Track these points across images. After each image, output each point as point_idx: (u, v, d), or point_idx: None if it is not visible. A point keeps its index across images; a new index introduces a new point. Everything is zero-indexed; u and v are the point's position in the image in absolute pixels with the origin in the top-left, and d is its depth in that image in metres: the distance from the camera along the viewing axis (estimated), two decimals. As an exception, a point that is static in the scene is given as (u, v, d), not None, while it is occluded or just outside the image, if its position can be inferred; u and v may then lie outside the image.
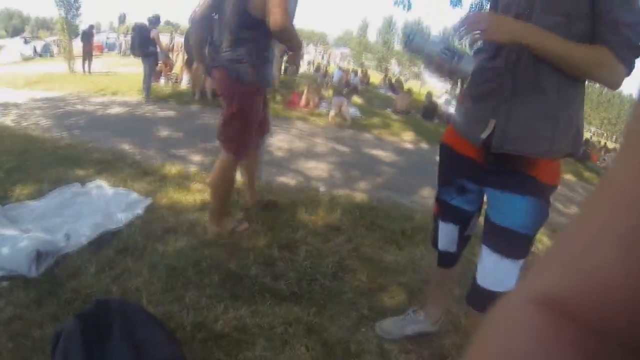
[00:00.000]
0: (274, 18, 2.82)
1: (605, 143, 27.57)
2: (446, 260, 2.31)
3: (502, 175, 1.87)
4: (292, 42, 3.28)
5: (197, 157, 5.82)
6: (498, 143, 1.77)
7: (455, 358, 2.50)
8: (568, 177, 11.39)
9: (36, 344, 2.20)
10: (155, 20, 10.62)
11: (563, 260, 0.36)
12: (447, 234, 2.23)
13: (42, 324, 2.33)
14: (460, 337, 2.71)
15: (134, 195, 4.10)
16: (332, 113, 10.62)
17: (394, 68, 47.37)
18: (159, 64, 11.99)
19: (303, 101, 11.38)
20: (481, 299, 1.97)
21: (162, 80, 13.05)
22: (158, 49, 10.56)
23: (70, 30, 16.22)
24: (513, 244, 1.87)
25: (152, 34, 10.37)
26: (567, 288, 0.34)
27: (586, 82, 1.79)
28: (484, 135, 1.82)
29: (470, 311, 2.17)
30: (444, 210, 2.21)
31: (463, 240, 2.23)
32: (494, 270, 1.92)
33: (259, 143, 4.02)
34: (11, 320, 2.38)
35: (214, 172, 3.46)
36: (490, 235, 1.93)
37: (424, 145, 10.25)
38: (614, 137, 64.68)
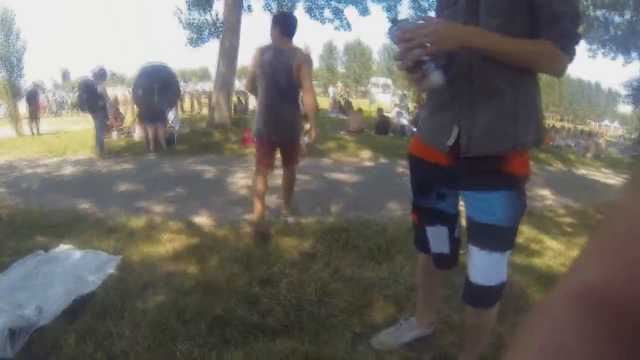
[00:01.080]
0: (311, 97, 4.31)
1: (554, 124, 28.66)
2: (443, 262, 2.34)
3: (474, 176, 1.93)
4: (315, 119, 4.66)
5: (160, 207, 5.73)
6: (465, 148, 1.84)
7: (455, 355, 2.52)
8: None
9: None
10: (101, 74, 10.30)
11: (601, 255, 0.38)
12: (437, 237, 2.26)
13: (26, 408, 2.22)
14: (457, 334, 2.76)
15: (103, 255, 3.98)
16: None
17: (339, 91, 48.23)
18: (109, 118, 11.79)
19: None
20: (477, 295, 2.05)
21: (114, 134, 12.86)
22: (107, 103, 10.34)
23: (15, 91, 15.76)
24: (498, 237, 1.94)
25: (99, 88, 10.04)
26: (607, 280, 0.36)
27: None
28: (450, 143, 1.89)
29: (467, 308, 2.20)
30: (429, 215, 2.24)
31: (454, 242, 2.26)
32: (484, 266, 1.98)
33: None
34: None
35: None
36: (474, 233, 2.00)
37: (383, 160, 10.44)
38: (559, 117, 67.48)
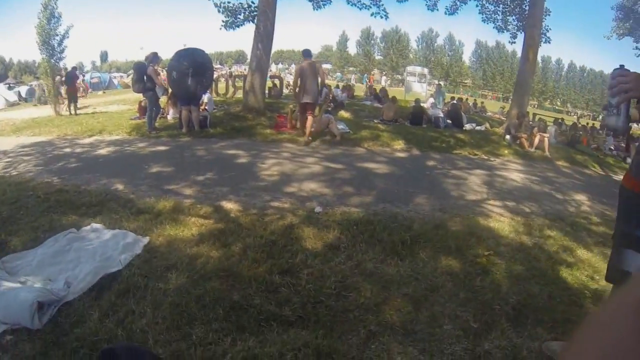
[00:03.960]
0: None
1: (593, 124, 27.74)
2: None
3: None
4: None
5: (189, 190, 5.82)
6: None
7: None
8: (561, 163, 11.47)
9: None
10: (153, 58, 10.90)
11: None
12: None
13: (50, 377, 2.31)
14: (472, 341, 2.74)
15: (131, 236, 4.09)
16: (319, 130, 10.68)
17: (370, 81, 48.14)
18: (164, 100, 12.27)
19: (291, 123, 11.36)
20: None
21: (170, 115, 13.03)
22: (157, 86, 10.73)
23: (54, 73, 16.24)
24: None
25: (149, 70, 10.65)
26: None
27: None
28: None
29: None
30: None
31: None
32: None
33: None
34: (18, 375, 2.36)
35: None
36: None
37: (415, 152, 10.29)
38: (600, 117, 65.35)
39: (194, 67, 10.25)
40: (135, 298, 3.03)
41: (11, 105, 22.55)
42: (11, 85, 28.66)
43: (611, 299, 0.44)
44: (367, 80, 41.63)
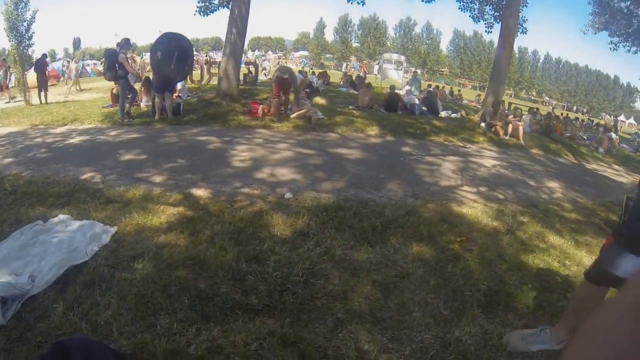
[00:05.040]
0: None
1: (567, 114, 28.14)
2: (613, 283, 2.36)
3: None
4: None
5: (160, 178, 5.75)
6: None
7: None
8: (535, 151, 11.63)
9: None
10: (124, 44, 10.79)
11: None
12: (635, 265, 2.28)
13: (15, 371, 2.28)
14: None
15: (99, 226, 4.03)
16: (294, 116, 10.66)
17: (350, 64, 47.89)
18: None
19: (265, 108, 11.29)
20: None
21: (143, 103, 12.77)
22: (128, 73, 10.60)
23: (24, 61, 15.82)
24: None
25: (120, 57, 10.48)
26: None
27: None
28: None
29: None
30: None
31: None
32: None
33: None
34: (-19, 372, 2.32)
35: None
36: None
37: (390, 138, 10.31)
38: (574, 107, 66.42)
39: (179, 52, 10.14)
40: (100, 290, 2.99)
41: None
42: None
43: (608, 304, 0.45)
44: (360, 69, 41.37)
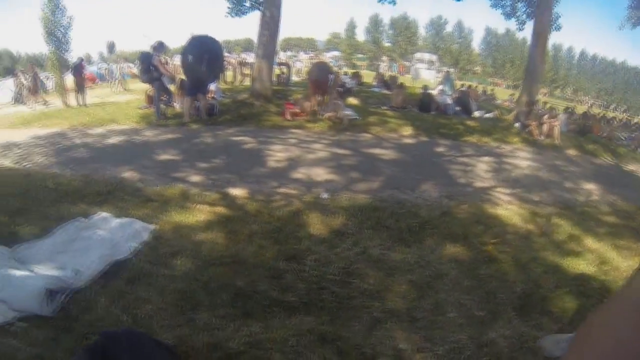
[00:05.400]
0: None
1: (604, 113, 27.33)
2: None
3: None
4: None
5: (197, 178, 5.85)
6: None
7: None
8: (571, 152, 11.36)
9: (57, 382, 2.22)
10: (158, 47, 11.00)
11: None
12: None
13: (61, 361, 2.35)
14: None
15: (139, 223, 4.12)
16: (327, 116, 10.65)
17: (386, 65, 47.46)
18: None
19: (298, 109, 11.33)
20: None
21: (177, 104, 12.99)
22: (163, 75, 10.89)
23: (62, 65, 16.33)
24: None
25: (154, 60, 10.71)
26: None
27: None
28: None
29: None
30: None
31: None
32: None
33: None
34: (30, 360, 2.39)
35: None
36: None
37: (423, 138, 10.22)
38: (612, 106, 64.44)
39: (209, 54, 10.30)
40: (142, 285, 3.07)
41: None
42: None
43: (613, 299, 0.45)
44: (397, 69, 41.26)
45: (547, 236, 4.59)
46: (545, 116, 13.07)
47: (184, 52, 10.92)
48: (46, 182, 5.67)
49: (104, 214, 4.43)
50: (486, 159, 8.64)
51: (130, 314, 2.74)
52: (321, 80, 10.63)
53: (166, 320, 2.66)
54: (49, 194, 5.16)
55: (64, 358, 2.38)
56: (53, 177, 5.96)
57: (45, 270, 3.36)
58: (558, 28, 18.02)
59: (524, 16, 18.04)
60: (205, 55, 10.22)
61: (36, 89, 16.71)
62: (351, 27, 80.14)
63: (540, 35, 14.59)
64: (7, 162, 7.34)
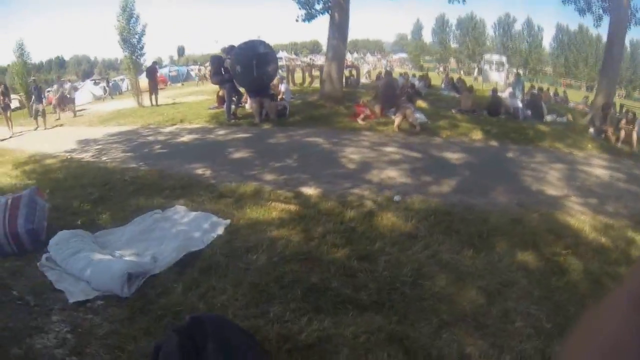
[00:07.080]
0: None
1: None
2: None
3: None
4: None
5: (270, 176, 5.99)
6: None
7: None
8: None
9: (132, 356, 2.38)
10: (230, 50, 11.23)
11: None
12: None
13: (136, 338, 2.53)
14: (544, 341, 2.68)
15: (213, 217, 4.27)
16: (397, 120, 10.56)
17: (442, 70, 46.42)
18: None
19: (368, 111, 11.31)
20: None
21: (248, 105, 13.31)
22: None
23: (136, 68, 17.39)
24: None
25: (226, 63, 10.98)
26: None
27: None
28: None
29: None
30: None
31: None
32: None
33: None
34: (108, 335, 2.60)
35: None
36: None
37: (493, 143, 9.95)
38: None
39: (257, 59, 10.36)
40: (216, 275, 3.19)
41: (97, 99, 24.08)
42: (97, 81, 30.54)
43: (609, 295, 0.44)
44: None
45: (620, 251, 4.36)
46: (623, 121, 12.32)
47: (232, 63, 10.90)
48: (124, 175, 5.99)
49: (180, 207, 4.63)
50: (558, 165, 8.29)
51: (205, 301, 2.87)
52: (389, 94, 10.49)
53: (240, 310, 2.76)
54: (127, 187, 5.46)
55: (138, 336, 2.55)
56: (130, 170, 6.30)
57: (125, 256, 3.58)
58: (638, 22, 16.76)
59: (600, 11, 16.90)
60: (253, 60, 10.23)
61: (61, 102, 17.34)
62: (417, 29, 78.85)
63: (618, 31, 13.57)
64: (87, 157, 7.81)
